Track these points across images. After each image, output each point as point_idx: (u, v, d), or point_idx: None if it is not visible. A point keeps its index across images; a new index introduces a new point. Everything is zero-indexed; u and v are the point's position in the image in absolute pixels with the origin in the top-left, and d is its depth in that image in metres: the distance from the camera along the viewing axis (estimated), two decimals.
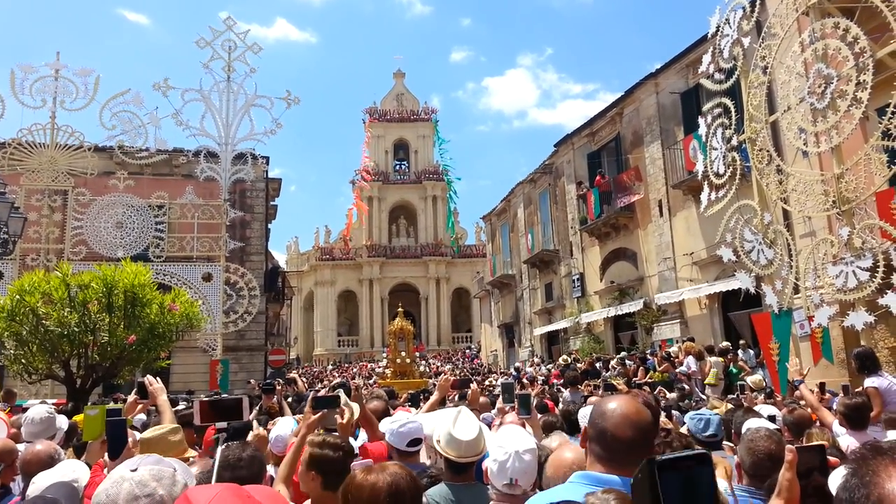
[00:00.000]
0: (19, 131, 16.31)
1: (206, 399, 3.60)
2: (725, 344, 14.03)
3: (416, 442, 3.92)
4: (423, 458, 4.20)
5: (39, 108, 16.37)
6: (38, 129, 16.40)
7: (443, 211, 58.88)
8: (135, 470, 1.91)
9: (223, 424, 3.28)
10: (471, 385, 5.98)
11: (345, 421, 4.08)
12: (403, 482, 2.29)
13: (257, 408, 6.84)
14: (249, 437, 4.20)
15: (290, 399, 8.27)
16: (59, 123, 16.53)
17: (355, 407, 4.32)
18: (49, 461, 3.53)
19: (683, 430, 4.22)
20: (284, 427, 4.43)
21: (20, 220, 13.10)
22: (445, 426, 3.26)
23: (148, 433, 3.69)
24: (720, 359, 12.75)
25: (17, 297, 9.71)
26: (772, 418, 4.88)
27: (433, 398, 5.45)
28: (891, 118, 7.11)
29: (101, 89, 16.57)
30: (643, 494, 1.09)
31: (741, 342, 13.67)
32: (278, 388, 7.36)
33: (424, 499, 3.07)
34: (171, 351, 12.84)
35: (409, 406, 7.27)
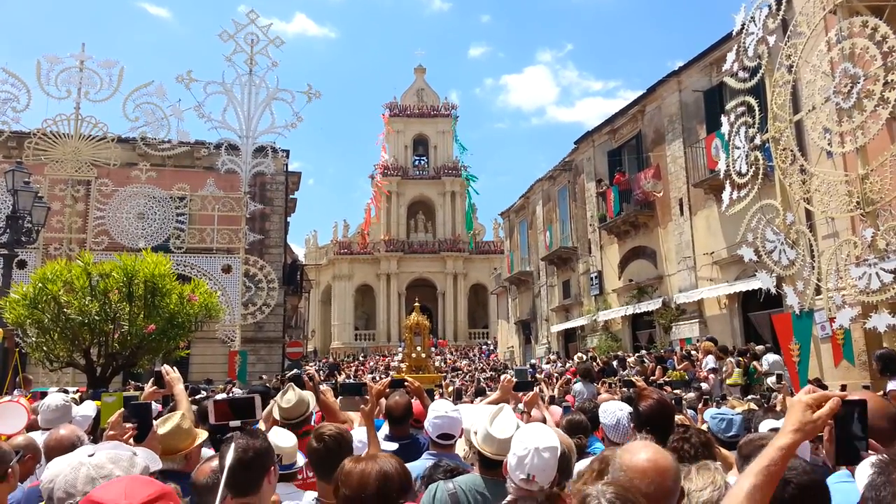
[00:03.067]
0: (44, 121, 16.55)
1: (219, 399, 3.64)
2: (752, 345, 13.88)
3: (448, 437, 3.93)
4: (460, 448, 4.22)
5: (64, 99, 16.61)
6: (62, 120, 16.63)
7: (461, 207, 58.84)
8: (91, 455, 1.93)
9: (237, 423, 3.32)
10: (534, 387, 5.55)
11: (367, 409, 4.13)
12: (393, 471, 2.30)
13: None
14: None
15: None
16: (84, 114, 16.78)
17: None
18: (71, 447, 3.57)
19: (703, 427, 4.19)
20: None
21: (43, 210, 13.27)
22: (483, 422, 3.26)
23: (161, 427, 3.67)
24: (740, 359, 12.65)
25: (40, 285, 9.84)
26: None
27: (493, 396, 5.34)
28: None
29: (124, 81, 16.75)
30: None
31: (767, 345, 13.50)
32: (309, 382, 7.37)
33: (451, 485, 3.10)
34: (191, 341, 12.96)
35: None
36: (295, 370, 8.73)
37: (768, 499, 1.50)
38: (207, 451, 3.80)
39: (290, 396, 4.64)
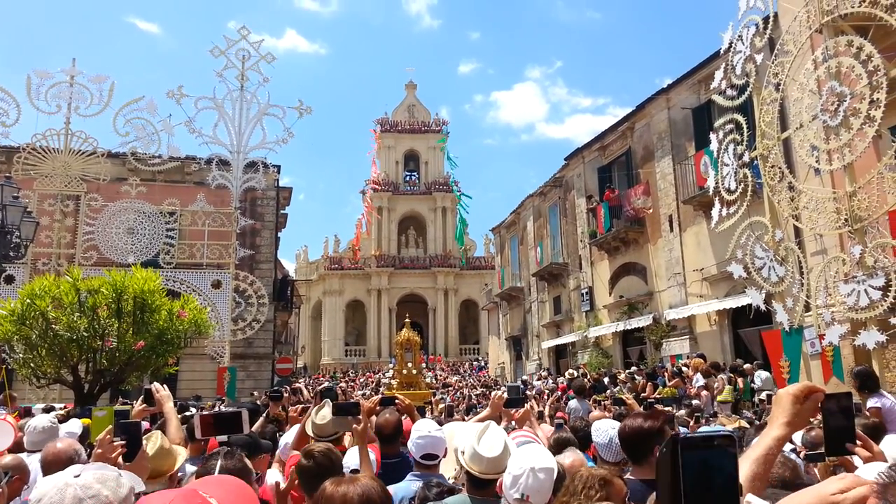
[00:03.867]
0: (34, 136, 16.46)
1: (206, 413, 3.59)
2: (739, 361, 13.92)
3: (431, 457, 3.90)
4: (447, 468, 4.18)
5: (54, 114, 16.53)
6: (52, 135, 16.55)
7: (452, 222, 58.95)
8: (77, 476, 1.92)
9: (223, 438, 3.29)
10: (525, 403, 5.46)
11: (360, 428, 4.10)
12: (375, 494, 2.28)
13: (263, 415, 6.84)
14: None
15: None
16: (74, 129, 16.68)
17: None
18: (69, 461, 3.53)
19: None
20: (292, 435, 4.42)
21: (32, 225, 13.20)
22: (470, 440, 3.24)
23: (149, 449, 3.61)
24: (731, 375, 12.66)
25: (28, 300, 9.75)
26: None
27: (484, 413, 5.29)
28: None
29: (114, 96, 16.72)
30: (664, 469, 1.10)
31: (756, 362, 13.53)
32: (285, 395, 7.34)
33: None
34: (179, 357, 12.87)
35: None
36: (327, 383, 8.68)
37: (765, 486, 1.56)
38: (190, 468, 3.76)
39: (326, 413, 4.48)
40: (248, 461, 2.97)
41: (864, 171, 8.00)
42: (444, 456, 4.06)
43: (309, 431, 4.47)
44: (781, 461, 2.71)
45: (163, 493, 1.95)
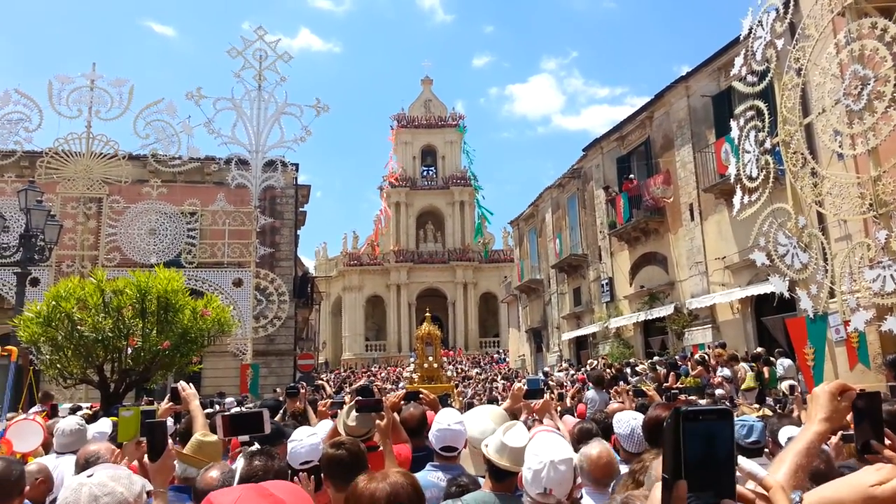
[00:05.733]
0: (56, 141, 16.69)
1: (228, 414, 3.63)
2: (761, 349, 13.79)
3: (451, 449, 3.90)
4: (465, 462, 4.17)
5: (75, 118, 16.76)
6: (73, 139, 16.77)
7: (470, 216, 58.90)
8: (91, 476, 1.96)
9: (245, 438, 3.31)
10: (544, 395, 5.49)
11: (384, 424, 4.10)
12: (403, 492, 2.28)
13: (281, 411, 6.85)
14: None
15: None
16: (95, 132, 16.90)
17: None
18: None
19: None
20: (301, 436, 4.10)
21: (56, 228, 13.38)
22: (496, 432, 3.23)
23: (209, 436, 3.76)
24: (753, 364, 12.55)
25: (53, 303, 9.88)
26: None
27: (505, 405, 5.29)
28: None
29: (133, 99, 16.88)
30: (668, 439, 1.19)
31: (777, 350, 13.41)
32: (302, 391, 7.35)
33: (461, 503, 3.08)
34: (203, 355, 12.99)
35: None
36: (364, 381, 8.68)
37: (807, 477, 1.60)
38: None
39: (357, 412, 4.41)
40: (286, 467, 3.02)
41: (888, 155, 7.87)
42: (465, 447, 4.05)
43: (341, 430, 4.48)
44: None
45: (229, 490, 1.96)
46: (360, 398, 4.66)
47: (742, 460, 1.34)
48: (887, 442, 1.87)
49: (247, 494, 1.76)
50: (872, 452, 1.89)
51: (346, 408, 4.62)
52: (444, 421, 3.99)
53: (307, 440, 3.46)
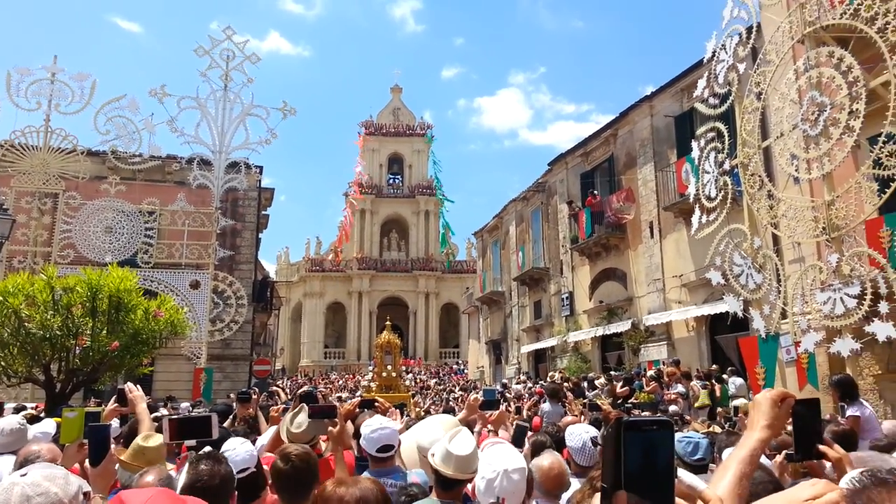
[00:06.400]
0: (12, 133, 16.24)
1: (175, 417, 3.55)
2: (714, 367, 14.00)
3: (387, 448, 3.86)
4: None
5: (34, 111, 16.31)
6: (31, 132, 16.34)
7: (435, 226, 58.92)
8: (24, 475, 1.89)
9: (192, 442, 3.23)
10: (500, 406, 5.50)
11: (336, 431, 4.04)
12: (372, 497, 2.25)
13: (230, 417, 6.70)
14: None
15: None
16: (53, 126, 16.48)
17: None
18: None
19: None
20: (233, 445, 3.64)
21: (8, 222, 13.01)
22: (441, 440, 3.20)
23: (151, 440, 3.64)
24: (707, 382, 12.74)
25: (0, 298, 9.59)
26: None
27: (461, 415, 5.26)
28: (882, 147, 7.15)
29: (95, 94, 16.54)
30: (608, 448, 1.20)
31: (730, 369, 13.65)
32: (254, 396, 7.21)
33: None
34: (155, 358, 12.73)
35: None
36: (307, 387, 8.53)
37: (749, 485, 1.62)
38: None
39: (301, 420, 4.33)
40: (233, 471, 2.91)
41: (842, 181, 8.09)
42: (399, 446, 4.01)
43: (284, 437, 4.39)
44: (761, 481, 2.68)
45: (140, 490, 1.91)
46: (313, 405, 4.60)
47: (682, 473, 1.34)
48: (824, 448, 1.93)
49: (158, 496, 1.71)
50: (812, 457, 1.95)
51: (289, 414, 4.55)
52: (374, 423, 3.95)
53: (241, 448, 3.36)
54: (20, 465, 3.64)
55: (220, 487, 2.58)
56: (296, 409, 4.52)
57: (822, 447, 1.95)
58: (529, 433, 5.45)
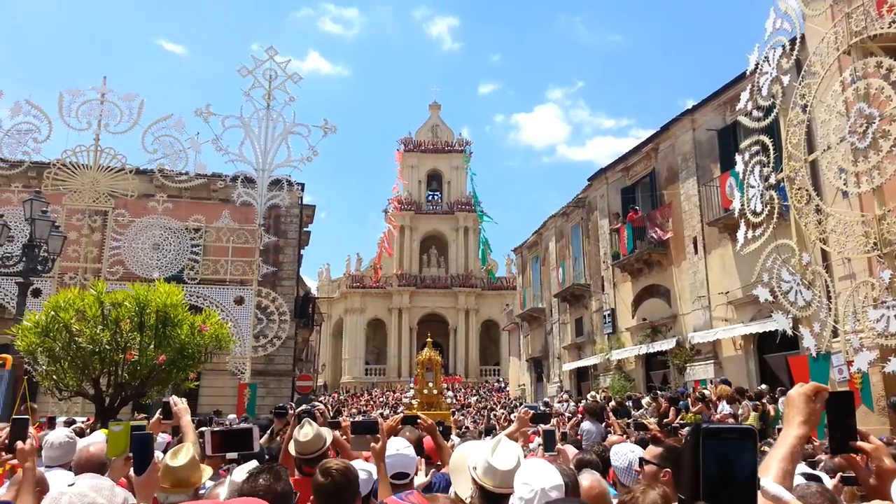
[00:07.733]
0: (64, 152, 16.82)
1: (217, 430, 3.56)
2: (765, 387, 13.65)
3: (402, 476, 3.83)
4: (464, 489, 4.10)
5: (84, 131, 16.90)
6: (81, 151, 16.89)
7: (474, 242, 58.86)
8: (72, 484, 1.92)
9: (234, 455, 3.25)
10: (550, 420, 5.55)
11: (378, 447, 4.04)
12: None
13: (268, 432, 6.75)
14: None
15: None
16: (103, 145, 17.01)
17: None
18: (101, 467, 3.53)
19: None
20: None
21: (60, 239, 13.39)
22: (483, 453, 3.15)
23: (175, 459, 3.58)
24: (757, 402, 12.41)
25: (52, 313, 9.83)
26: (813, 465, 4.70)
27: (510, 429, 5.23)
28: None
29: (143, 114, 17.03)
30: (688, 456, 1.16)
31: (780, 389, 13.27)
32: (291, 411, 7.27)
33: None
34: (200, 372, 12.92)
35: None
36: (305, 405, 8.58)
37: (792, 480, 1.62)
38: (209, 483, 3.72)
39: (307, 431, 4.42)
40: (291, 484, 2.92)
41: (893, 194, 7.86)
42: (416, 474, 3.98)
43: (292, 451, 4.43)
44: (818, 491, 2.61)
45: (237, 500, 1.93)
46: (354, 420, 4.62)
47: (766, 482, 1.30)
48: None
49: None
50: (845, 451, 1.92)
51: (295, 428, 4.61)
52: (392, 447, 3.92)
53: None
54: (76, 467, 3.72)
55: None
56: (301, 423, 4.58)
57: (857, 443, 1.90)
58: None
